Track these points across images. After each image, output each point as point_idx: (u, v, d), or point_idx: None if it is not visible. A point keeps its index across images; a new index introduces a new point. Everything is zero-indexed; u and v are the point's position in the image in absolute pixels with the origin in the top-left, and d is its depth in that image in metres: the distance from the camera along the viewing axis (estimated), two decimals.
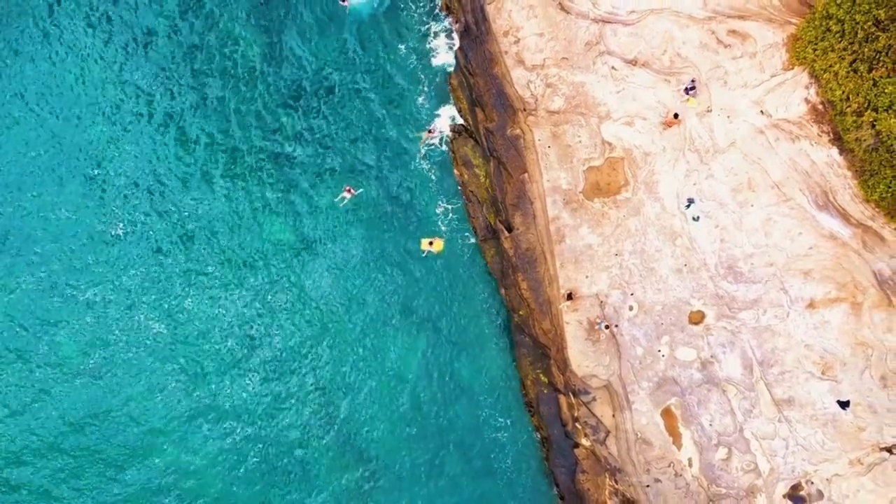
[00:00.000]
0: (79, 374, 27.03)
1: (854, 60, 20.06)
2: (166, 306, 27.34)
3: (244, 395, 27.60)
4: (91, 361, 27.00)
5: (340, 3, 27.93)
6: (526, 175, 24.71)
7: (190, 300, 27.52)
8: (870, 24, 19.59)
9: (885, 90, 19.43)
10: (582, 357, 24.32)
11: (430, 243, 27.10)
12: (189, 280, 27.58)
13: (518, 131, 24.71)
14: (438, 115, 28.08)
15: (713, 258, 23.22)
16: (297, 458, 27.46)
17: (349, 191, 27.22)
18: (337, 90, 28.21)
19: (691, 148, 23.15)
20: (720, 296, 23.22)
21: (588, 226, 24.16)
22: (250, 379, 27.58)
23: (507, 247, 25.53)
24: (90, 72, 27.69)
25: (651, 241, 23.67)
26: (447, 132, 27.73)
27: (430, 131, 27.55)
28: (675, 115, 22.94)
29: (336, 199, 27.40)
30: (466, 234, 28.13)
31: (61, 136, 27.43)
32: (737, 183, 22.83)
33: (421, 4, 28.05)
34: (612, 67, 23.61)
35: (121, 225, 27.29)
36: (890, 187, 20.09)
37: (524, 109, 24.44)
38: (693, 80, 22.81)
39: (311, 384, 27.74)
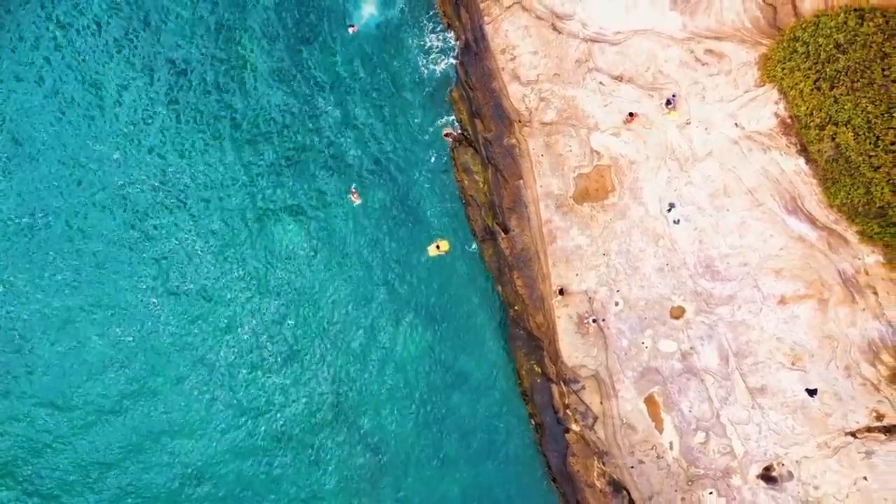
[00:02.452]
0: (107, 366, 29.01)
1: (817, 79, 21.91)
2: (184, 306, 29.24)
3: (258, 388, 29.28)
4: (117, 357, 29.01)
5: (349, 30, 29.84)
6: (521, 181, 26.68)
7: (205, 301, 29.34)
8: (831, 46, 21.47)
9: (844, 106, 21.37)
10: (572, 349, 26.27)
11: (437, 246, 28.95)
12: (204, 281, 29.38)
13: (514, 141, 26.70)
14: (445, 124, 30.06)
15: (692, 258, 25.08)
16: (308, 445, 29.24)
17: (354, 192, 29.18)
18: (345, 103, 30.03)
19: (672, 157, 25.08)
20: (699, 292, 25.11)
21: (578, 228, 26.13)
22: (265, 372, 29.27)
23: (504, 247, 27.52)
24: (104, 87, 29.31)
25: (636, 242, 25.61)
26: (451, 142, 29.79)
27: (446, 134, 29.54)
28: (631, 114, 24.90)
29: (356, 204, 29.34)
30: (466, 235, 30.01)
31: (82, 149, 29.32)
32: (714, 189, 24.66)
33: (425, 24, 29.92)
34: (600, 83, 25.55)
35: (144, 223, 29.22)
36: (849, 194, 21.99)
37: (520, 121, 26.42)
38: (673, 94, 24.78)
39: (321, 377, 29.41)
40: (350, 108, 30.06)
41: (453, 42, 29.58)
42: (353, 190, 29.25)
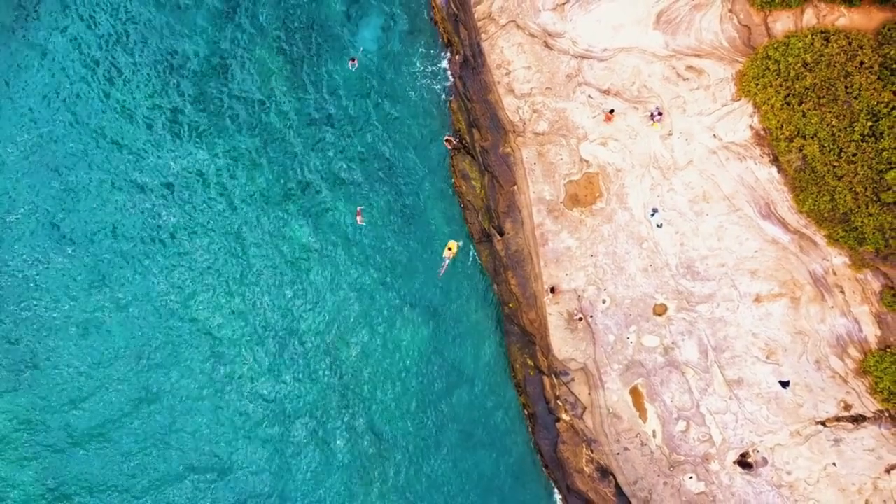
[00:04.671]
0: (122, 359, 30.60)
1: (787, 95, 23.69)
2: (198, 304, 30.83)
3: (268, 382, 30.68)
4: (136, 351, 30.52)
5: (350, 64, 30.94)
6: (515, 187, 28.52)
7: (217, 301, 30.68)
8: (799, 65, 23.26)
9: (811, 121, 23.17)
10: (562, 343, 28.10)
11: (450, 248, 30.29)
12: (216, 282, 30.66)
13: (509, 150, 28.54)
14: (447, 132, 31.76)
15: (674, 259, 26.83)
16: (315, 436, 30.89)
17: (359, 213, 30.23)
18: (348, 117, 31.38)
19: (655, 165, 26.89)
20: (680, 291, 26.85)
21: (568, 231, 27.96)
22: (274, 367, 30.74)
23: (499, 248, 29.36)
24: (117, 99, 30.14)
25: (621, 245, 27.40)
26: (451, 150, 31.62)
27: (447, 140, 31.17)
28: (611, 111, 26.62)
29: (363, 224, 30.71)
30: (463, 238, 31.67)
31: (102, 157, 30.60)
32: (694, 195, 26.40)
33: (425, 41, 31.47)
34: (589, 96, 27.34)
35: (165, 226, 30.78)
36: (816, 201, 23.80)
37: (514, 131, 28.26)
38: (658, 108, 26.52)
39: (328, 372, 31.03)
40: (355, 129, 31.37)
41: (450, 62, 31.22)
42: (359, 211, 30.47)
